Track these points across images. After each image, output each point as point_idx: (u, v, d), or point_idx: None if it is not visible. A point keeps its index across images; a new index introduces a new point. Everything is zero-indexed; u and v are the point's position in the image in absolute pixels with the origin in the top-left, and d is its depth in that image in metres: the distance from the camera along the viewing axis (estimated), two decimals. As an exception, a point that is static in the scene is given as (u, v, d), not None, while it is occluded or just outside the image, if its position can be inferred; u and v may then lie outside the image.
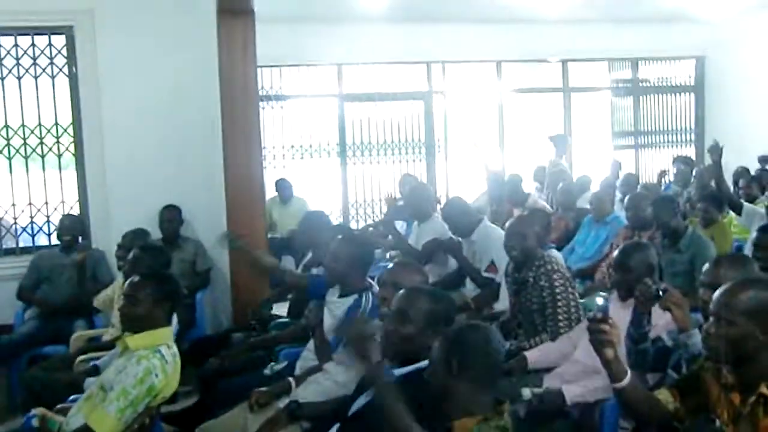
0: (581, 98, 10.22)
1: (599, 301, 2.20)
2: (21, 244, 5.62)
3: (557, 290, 3.69)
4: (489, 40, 8.98)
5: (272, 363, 3.71)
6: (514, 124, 9.87)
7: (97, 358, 3.87)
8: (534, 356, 3.53)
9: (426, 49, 8.90)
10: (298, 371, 3.45)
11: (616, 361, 2.20)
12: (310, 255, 4.64)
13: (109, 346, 4.00)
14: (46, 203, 5.57)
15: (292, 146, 8.91)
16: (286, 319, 4.69)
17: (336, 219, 8.60)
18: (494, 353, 2.17)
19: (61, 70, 5.46)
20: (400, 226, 6.16)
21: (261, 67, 6.37)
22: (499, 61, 9.56)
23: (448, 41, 8.82)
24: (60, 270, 5.09)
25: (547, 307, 3.70)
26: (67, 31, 5.39)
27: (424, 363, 2.34)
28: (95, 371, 3.65)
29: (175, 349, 2.94)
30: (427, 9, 8.02)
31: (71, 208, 5.55)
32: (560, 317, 3.66)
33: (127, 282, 3.06)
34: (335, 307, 3.49)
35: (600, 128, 10.44)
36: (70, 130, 5.48)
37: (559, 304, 3.67)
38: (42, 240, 5.64)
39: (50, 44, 5.44)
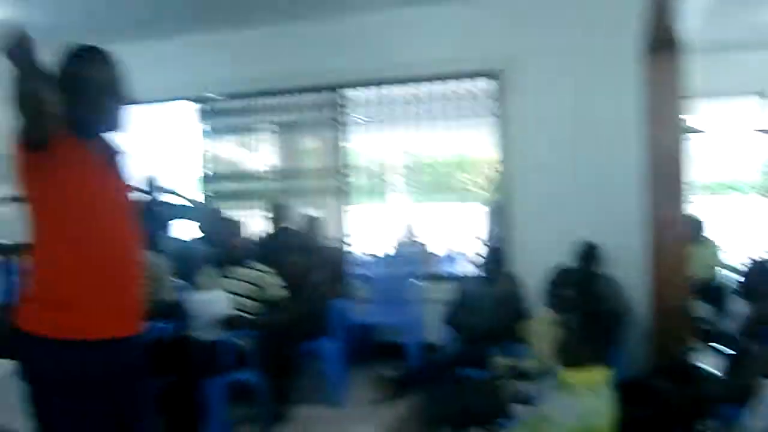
0: None
1: None
2: (448, 271, 6.15)
3: None
4: None
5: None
6: None
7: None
8: None
9: None
10: None
11: None
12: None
13: (532, 376, 4.13)
14: (470, 235, 6.00)
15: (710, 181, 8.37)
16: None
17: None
18: None
19: (492, 112, 5.89)
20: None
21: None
22: None
23: None
24: (482, 298, 5.43)
25: None
26: (498, 75, 5.78)
27: None
28: (524, 399, 3.79)
29: (610, 390, 2.91)
30: None
31: (492, 239, 5.92)
32: None
33: (563, 317, 3.13)
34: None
35: None
36: (498, 168, 5.86)
37: None
38: (467, 268, 6.10)
39: (483, 88, 5.92)
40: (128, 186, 2.41)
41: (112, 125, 2.30)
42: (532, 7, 5.65)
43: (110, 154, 2.32)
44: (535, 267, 5.40)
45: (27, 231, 2.21)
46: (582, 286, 4.23)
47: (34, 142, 2.03)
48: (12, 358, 2.25)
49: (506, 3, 5.68)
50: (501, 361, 4.76)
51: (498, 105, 5.85)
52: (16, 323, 2.17)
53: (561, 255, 5.22)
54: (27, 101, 1.93)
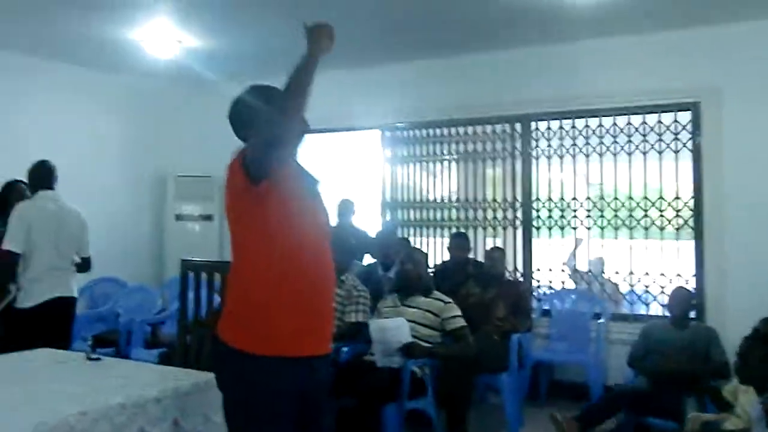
0: None
1: None
2: (635, 311, 5.84)
3: None
4: None
5: None
6: None
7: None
8: None
9: None
10: None
11: None
12: None
13: (729, 434, 3.80)
14: (662, 274, 5.67)
15: None
16: None
17: None
18: None
19: (684, 145, 5.58)
20: None
21: None
22: None
23: None
24: (670, 343, 5.09)
25: None
26: (693, 108, 5.51)
27: None
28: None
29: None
30: None
31: (686, 281, 5.55)
32: None
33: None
34: None
35: None
36: (691, 204, 5.54)
37: None
38: (655, 309, 5.76)
39: (675, 120, 5.61)
40: (326, 211, 2.51)
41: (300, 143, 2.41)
42: (730, 37, 5.33)
43: (312, 179, 2.42)
44: (732, 315, 5.07)
45: (234, 248, 2.32)
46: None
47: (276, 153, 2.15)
48: (215, 371, 2.38)
49: (702, 34, 5.39)
50: (696, 415, 4.44)
51: (693, 138, 5.53)
52: (221, 339, 2.29)
53: (764, 301, 4.81)
54: (301, 101, 2.11)
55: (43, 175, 4.74)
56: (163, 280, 7.13)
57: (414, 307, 4.61)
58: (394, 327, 4.40)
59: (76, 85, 6.76)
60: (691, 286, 5.46)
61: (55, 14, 5.20)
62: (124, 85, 7.10)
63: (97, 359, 3.24)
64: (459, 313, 4.59)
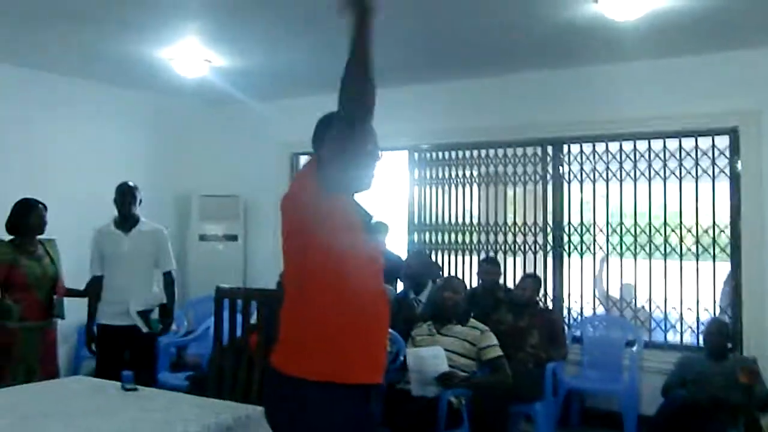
0: None
1: None
2: (669, 340, 5.73)
3: None
4: None
5: None
6: None
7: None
8: None
9: None
10: None
11: None
12: None
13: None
14: (698, 303, 5.56)
15: None
16: None
17: None
18: None
19: (722, 170, 5.49)
20: None
21: None
22: None
23: None
24: (706, 375, 4.98)
25: None
26: (731, 132, 5.42)
27: None
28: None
29: None
30: None
31: (722, 311, 5.44)
32: None
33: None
34: None
35: None
36: (728, 231, 5.43)
37: None
38: (688, 339, 5.65)
39: (713, 145, 5.52)
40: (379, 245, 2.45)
41: (369, 184, 2.38)
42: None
43: (367, 214, 2.35)
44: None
45: (295, 274, 2.24)
46: None
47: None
48: (273, 405, 2.28)
49: (741, 57, 5.29)
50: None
51: (731, 163, 5.43)
52: (282, 370, 2.19)
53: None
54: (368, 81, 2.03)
55: None
56: (185, 301, 7.03)
57: (450, 336, 4.53)
58: (431, 356, 4.32)
59: (102, 102, 6.67)
60: (728, 314, 5.37)
61: (84, 31, 5.11)
62: (150, 103, 7.03)
63: (134, 389, 3.20)
64: (496, 342, 4.51)
